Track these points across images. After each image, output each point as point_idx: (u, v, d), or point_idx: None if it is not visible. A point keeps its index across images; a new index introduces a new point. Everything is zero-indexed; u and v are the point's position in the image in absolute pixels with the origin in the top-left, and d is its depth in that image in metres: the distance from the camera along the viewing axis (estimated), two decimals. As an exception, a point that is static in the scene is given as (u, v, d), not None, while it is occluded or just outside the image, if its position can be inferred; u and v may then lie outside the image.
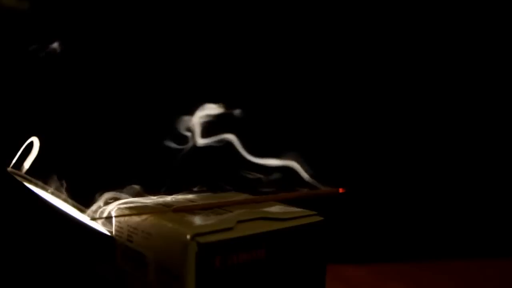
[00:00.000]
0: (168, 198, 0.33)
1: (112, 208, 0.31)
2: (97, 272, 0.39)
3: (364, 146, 0.52)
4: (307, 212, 0.31)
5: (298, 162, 0.34)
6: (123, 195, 0.32)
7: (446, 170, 0.54)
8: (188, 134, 0.34)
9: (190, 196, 0.34)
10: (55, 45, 0.42)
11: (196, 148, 0.34)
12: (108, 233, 0.32)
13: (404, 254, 0.49)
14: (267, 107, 0.50)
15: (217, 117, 0.34)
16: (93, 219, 0.31)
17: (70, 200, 0.32)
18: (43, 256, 0.42)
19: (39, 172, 0.32)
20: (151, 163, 0.38)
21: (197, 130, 0.34)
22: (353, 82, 0.52)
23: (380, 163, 0.52)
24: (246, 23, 0.50)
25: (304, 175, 0.34)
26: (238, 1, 0.49)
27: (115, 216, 0.31)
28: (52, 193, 0.32)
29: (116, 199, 0.32)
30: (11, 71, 0.45)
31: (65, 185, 0.31)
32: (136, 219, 0.29)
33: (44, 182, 0.32)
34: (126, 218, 0.30)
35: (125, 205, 0.31)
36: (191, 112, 0.34)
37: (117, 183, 0.33)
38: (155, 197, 0.33)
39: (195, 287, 0.25)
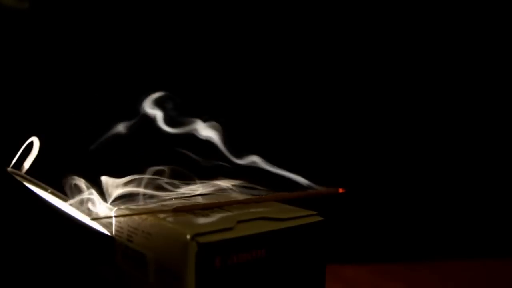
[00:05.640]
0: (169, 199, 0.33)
1: (112, 208, 0.31)
2: (97, 272, 0.39)
3: (364, 146, 0.52)
4: (307, 212, 0.31)
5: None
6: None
7: (445, 171, 0.54)
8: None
9: (190, 196, 0.34)
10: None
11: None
12: (108, 233, 0.32)
13: (404, 254, 0.49)
14: (269, 108, 0.50)
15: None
16: (93, 219, 0.31)
17: (69, 200, 0.32)
18: (43, 256, 0.42)
19: (39, 172, 0.32)
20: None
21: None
22: (353, 82, 0.52)
23: (380, 163, 0.53)
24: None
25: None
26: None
27: (115, 216, 0.31)
28: (52, 193, 0.32)
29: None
30: (11, 71, 0.45)
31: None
32: (136, 219, 0.29)
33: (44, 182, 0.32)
34: (126, 218, 0.30)
35: (125, 205, 0.31)
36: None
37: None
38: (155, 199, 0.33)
39: (195, 287, 0.25)
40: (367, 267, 0.47)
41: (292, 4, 0.51)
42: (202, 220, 0.28)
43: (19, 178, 0.32)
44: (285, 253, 0.29)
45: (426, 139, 0.53)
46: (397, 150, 0.53)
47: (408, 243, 0.51)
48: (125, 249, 0.30)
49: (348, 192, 0.34)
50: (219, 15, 0.50)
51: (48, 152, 0.33)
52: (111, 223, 0.31)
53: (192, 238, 0.25)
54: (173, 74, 0.48)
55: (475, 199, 0.53)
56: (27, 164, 0.32)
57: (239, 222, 0.28)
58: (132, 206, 0.31)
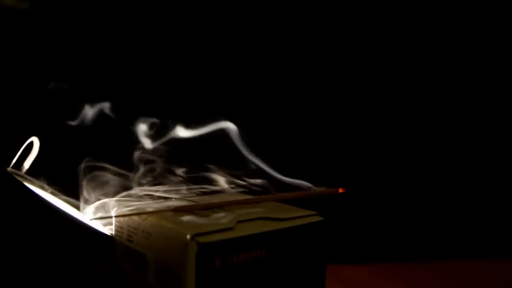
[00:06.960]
0: (168, 198, 0.33)
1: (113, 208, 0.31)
2: (97, 272, 0.39)
3: (364, 146, 0.52)
4: (307, 212, 0.31)
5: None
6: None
7: (445, 171, 0.54)
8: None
9: (190, 196, 0.34)
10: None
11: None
12: (108, 233, 0.32)
13: (404, 254, 0.49)
14: (269, 108, 0.50)
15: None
16: (93, 219, 0.31)
17: (70, 200, 0.32)
18: (43, 256, 0.42)
19: (39, 172, 0.32)
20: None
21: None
22: (353, 82, 0.52)
23: (380, 163, 0.52)
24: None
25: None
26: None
27: (115, 216, 0.31)
28: (52, 193, 0.32)
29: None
30: (11, 71, 0.45)
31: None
32: (136, 219, 0.29)
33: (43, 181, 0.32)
34: (126, 218, 0.30)
35: (125, 205, 0.31)
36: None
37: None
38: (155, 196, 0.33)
39: (195, 287, 0.25)
40: (367, 267, 0.47)
41: (293, 8, 0.51)
42: (202, 220, 0.28)
43: (19, 178, 0.32)
44: (285, 253, 0.29)
45: (426, 139, 0.53)
46: (397, 150, 0.53)
47: (408, 243, 0.51)
48: (125, 249, 0.30)
49: (348, 192, 0.34)
50: (223, 17, 0.50)
51: (48, 152, 0.33)
52: (111, 223, 0.31)
53: (192, 238, 0.25)
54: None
55: (475, 199, 0.53)
56: (27, 164, 0.32)
57: (239, 222, 0.28)
58: (132, 206, 0.31)
